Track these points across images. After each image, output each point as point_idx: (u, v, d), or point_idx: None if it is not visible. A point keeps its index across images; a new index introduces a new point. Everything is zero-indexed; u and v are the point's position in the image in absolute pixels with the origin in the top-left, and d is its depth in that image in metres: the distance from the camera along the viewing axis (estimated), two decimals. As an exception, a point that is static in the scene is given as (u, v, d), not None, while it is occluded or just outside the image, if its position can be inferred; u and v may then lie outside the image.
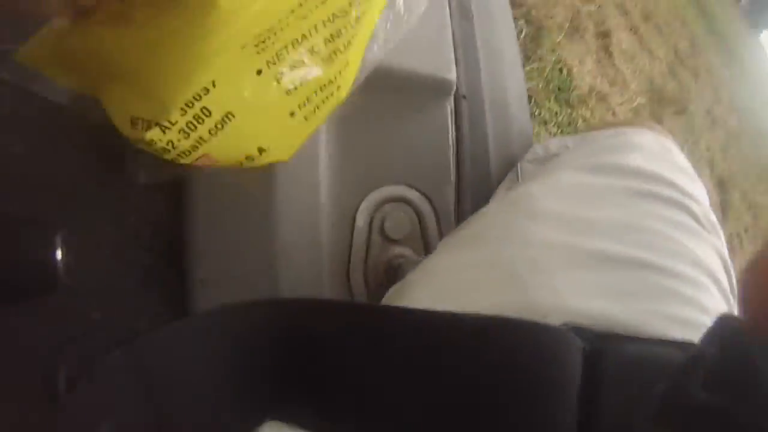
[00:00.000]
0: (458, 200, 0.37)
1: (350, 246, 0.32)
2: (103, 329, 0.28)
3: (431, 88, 0.36)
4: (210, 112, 0.22)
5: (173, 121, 0.21)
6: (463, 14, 0.46)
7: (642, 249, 0.28)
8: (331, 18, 0.25)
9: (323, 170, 0.31)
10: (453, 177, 0.36)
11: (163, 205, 0.28)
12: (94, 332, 0.28)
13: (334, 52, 0.26)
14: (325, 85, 0.26)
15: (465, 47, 0.43)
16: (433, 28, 0.37)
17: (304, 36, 0.24)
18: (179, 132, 0.22)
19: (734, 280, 0.32)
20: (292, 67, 0.24)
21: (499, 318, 0.22)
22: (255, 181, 0.30)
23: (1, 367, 0.26)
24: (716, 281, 0.30)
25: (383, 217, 0.34)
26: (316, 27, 0.25)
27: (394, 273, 0.32)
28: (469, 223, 0.32)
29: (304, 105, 0.25)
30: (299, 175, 0.30)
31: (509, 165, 0.43)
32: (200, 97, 0.21)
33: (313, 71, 0.25)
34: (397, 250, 0.33)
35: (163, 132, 0.21)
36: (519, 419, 0.20)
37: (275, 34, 0.23)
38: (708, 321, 0.24)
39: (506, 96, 0.46)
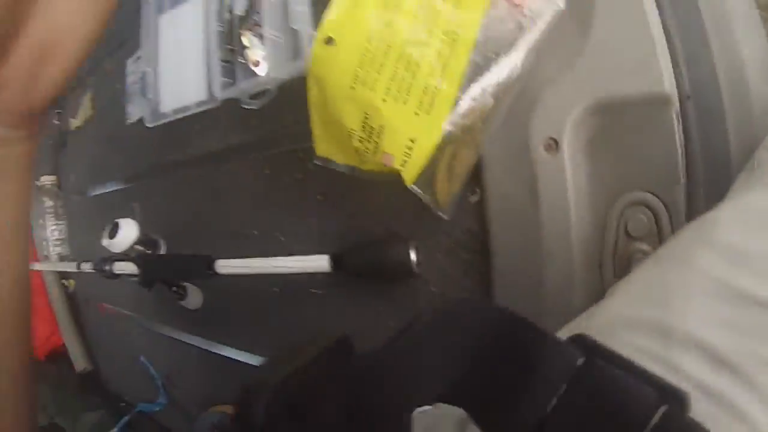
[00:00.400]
0: (689, 199, 0.42)
1: (602, 244, 0.42)
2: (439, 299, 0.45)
3: (648, 104, 0.42)
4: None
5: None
6: None
7: None
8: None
9: (573, 186, 0.43)
10: (682, 177, 0.42)
11: (475, 220, 0.44)
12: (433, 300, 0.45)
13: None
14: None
15: (685, 33, 0.45)
16: (635, 37, 0.42)
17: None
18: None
19: None
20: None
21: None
22: (526, 198, 0.43)
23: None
24: None
25: (627, 219, 0.42)
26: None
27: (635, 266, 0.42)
28: (670, 239, 0.36)
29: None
30: (556, 192, 0.43)
31: (751, 151, 0.42)
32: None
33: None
34: (638, 245, 0.41)
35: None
36: None
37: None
38: None
39: (742, 72, 0.44)
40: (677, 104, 0.43)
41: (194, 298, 0.71)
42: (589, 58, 0.42)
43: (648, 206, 0.43)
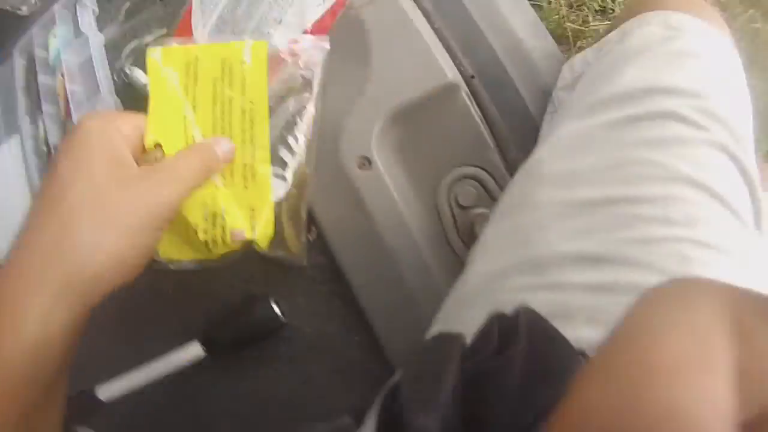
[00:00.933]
0: (504, 158, 0.46)
1: (441, 224, 0.45)
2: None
3: (439, 95, 0.47)
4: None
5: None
6: None
7: (616, 185, 0.32)
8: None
9: (395, 189, 0.45)
10: (491, 142, 0.46)
11: (320, 254, 0.45)
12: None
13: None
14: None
15: (456, 27, 0.52)
16: (409, 48, 0.47)
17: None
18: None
19: (750, 160, 0.34)
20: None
21: None
22: (357, 215, 0.45)
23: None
24: (700, 186, 0.32)
25: (455, 195, 0.45)
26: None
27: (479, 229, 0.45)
28: (505, 193, 0.40)
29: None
30: (382, 200, 0.45)
31: (546, 97, 0.50)
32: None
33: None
34: (474, 211, 0.44)
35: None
36: None
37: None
38: (677, 231, 0.31)
39: (516, 40, 0.51)
40: (464, 86, 0.49)
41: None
42: (376, 81, 0.47)
43: (471, 177, 0.47)
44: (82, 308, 0.29)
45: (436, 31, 0.51)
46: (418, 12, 0.51)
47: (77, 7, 0.61)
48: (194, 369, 0.46)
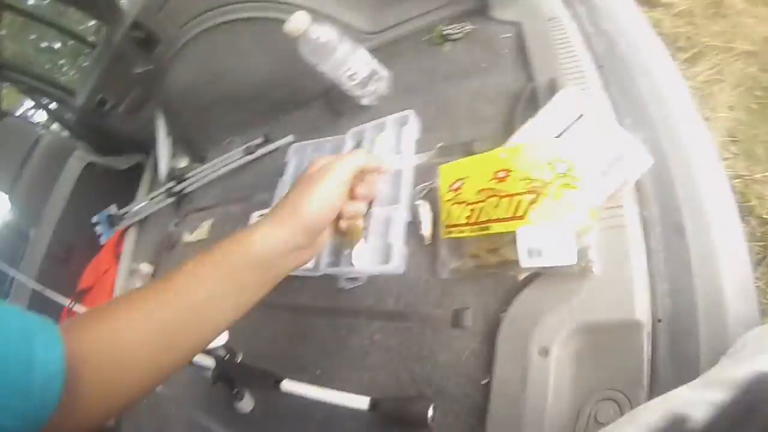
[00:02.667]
0: (650, 396, 0.56)
1: (575, 423, 0.57)
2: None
3: (623, 326, 0.59)
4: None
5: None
6: (673, 228, 0.66)
7: None
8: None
9: (554, 383, 0.60)
10: (645, 383, 0.57)
11: (481, 397, 0.65)
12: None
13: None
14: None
15: (670, 265, 0.63)
16: (619, 279, 0.59)
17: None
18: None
19: None
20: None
21: None
22: (518, 386, 0.62)
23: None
24: None
25: (597, 409, 0.57)
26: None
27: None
28: None
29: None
30: (540, 386, 0.60)
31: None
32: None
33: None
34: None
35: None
36: None
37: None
38: None
39: (721, 298, 0.60)
40: (649, 327, 0.61)
41: (247, 403, 0.89)
42: (583, 296, 0.61)
43: (616, 401, 0.60)
44: (302, 236, 0.51)
45: (650, 259, 0.64)
46: (641, 240, 0.64)
47: (403, 129, 0.88)
48: (351, 414, 0.69)
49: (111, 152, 2.02)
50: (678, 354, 0.59)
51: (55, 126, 2.25)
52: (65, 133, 2.27)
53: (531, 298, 0.65)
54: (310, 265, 0.88)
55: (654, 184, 0.69)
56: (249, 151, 1.33)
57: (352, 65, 0.98)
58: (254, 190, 1.26)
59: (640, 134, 0.74)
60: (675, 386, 0.45)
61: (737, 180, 1.52)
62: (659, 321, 0.61)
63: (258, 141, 1.36)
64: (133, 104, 1.72)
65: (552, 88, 0.76)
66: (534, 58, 0.86)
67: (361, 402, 0.69)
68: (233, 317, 0.49)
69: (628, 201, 0.66)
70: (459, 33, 1.03)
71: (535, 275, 0.65)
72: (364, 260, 0.80)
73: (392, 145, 0.92)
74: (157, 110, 1.67)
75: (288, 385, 0.77)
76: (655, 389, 0.58)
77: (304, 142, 1.16)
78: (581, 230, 0.60)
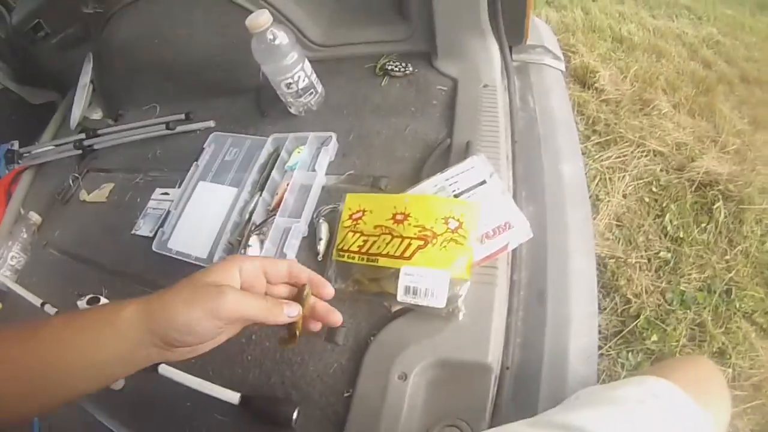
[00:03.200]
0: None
1: None
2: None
3: (477, 366, 0.69)
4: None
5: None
6: (536, 294, 0.79)
7: None
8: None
9: (408, 405, 0.68)
10: (487, 416, 0.67)
11: (342, 407, 0.73)
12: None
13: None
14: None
15: (527, 324, 0.75)
16: (480, 325, 0.70)
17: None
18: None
19: None
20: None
21: None
22: (377, 401, 0.70)
23: None
24: None
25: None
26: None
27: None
28: None
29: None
30: (396, 405, 0.69)
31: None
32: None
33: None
34: None
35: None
36: None
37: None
38: None
39: (565, 360, 0.73)
40: (497, 371, 0.71)
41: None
42: (446, 335, 0.71)
43: (459, 428, 0.68)
44: (156, 352, 0.48)
45: (510, 316, 0.75)
46: (506, 298, 0.76)
47: (323, 149, 0.95)
48: (220, 406, 0.74)
49: (28, 82, 1.90)
50: (520, 397, 0.71)
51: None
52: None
53: (400, 328, 0.74)
54: (204, 254, 0.94)
55: (528, 254, 0.82)
56: (169, 127, 1.32)
57: (295, 75, 1.02)
58: (164, 166, 1.26)
59: (530, 207, 0.87)
60: (512, 421, 0.55)
61: (612, 260, 1.74)
62: (507, 368, 0.73)
63: (179, 117, 1.35)
64: (67, 40, 1.64)
65: (466, 150, 0.87)
66: (459, 118, 0.96)
67: (231, 396, 0.75)
68: (96, 386, 0.48)
69: (502, 264, 0.77)
70: (400, 72, 1.10)
71: (407, 309, 0.74)
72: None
73: (308, 161, 0.98)
74: (89, 54, 1.60)
75: (165, 370, 0.80)
76: (495, 422, 0.69)
77: (225, 133, 1.19)
78: (456, 281, 0.70)
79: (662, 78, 2.52)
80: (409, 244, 0.71)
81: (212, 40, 1.30)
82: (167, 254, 0.97)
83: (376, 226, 0.77)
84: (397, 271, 0.71)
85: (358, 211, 0.81)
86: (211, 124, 1.28)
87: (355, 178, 0.94)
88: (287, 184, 0.93)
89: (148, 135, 1.36)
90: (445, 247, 0.70)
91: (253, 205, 0.94)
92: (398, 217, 0.74)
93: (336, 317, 0.56)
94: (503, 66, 1.05)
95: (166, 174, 1.22)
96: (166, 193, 1.14)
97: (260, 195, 0.94)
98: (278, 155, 1.00)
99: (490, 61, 1.04)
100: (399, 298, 0.70)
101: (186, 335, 0.48)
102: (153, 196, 1.16)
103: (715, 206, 1.88)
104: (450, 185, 0.80)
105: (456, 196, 0.78)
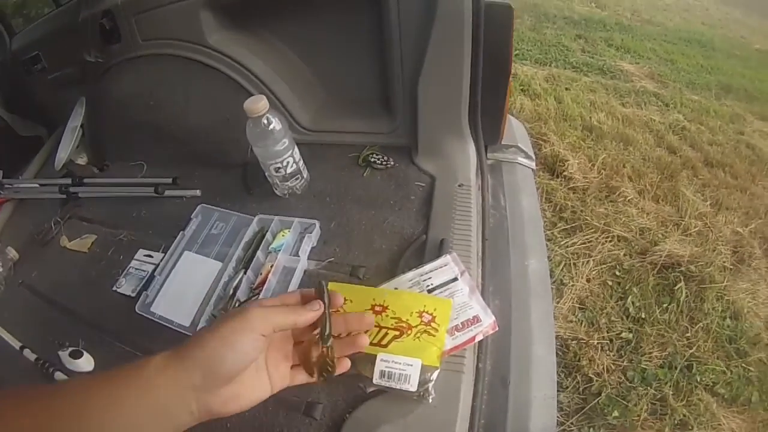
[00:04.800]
0: None
1: None
2: None
3: None
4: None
5: None
6: (500, 380, 0.92)
7: None
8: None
9: None
10: None
11: None
12: None
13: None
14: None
15: (490, 407, 0.87)
16: (449, 402, 0.80)
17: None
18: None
19: None
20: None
21: None
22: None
23: None
24: None
25: None
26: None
27: None
28: None
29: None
30: None
31: None
32: None
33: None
34: None
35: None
36: None
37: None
38: None
39: None
40: None
41: (87, 363, 0.98)
42: (417, 416, 0.80)
43: None
44: (196, 400, 0.49)
45: (475, 399, 0.86)
46: (471, 384, 0.87)
47: (305, 237, 1.09)
48: None
49: (18, 111, 1.97)
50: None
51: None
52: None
53: (375, 407, 0.83)
54: (186, 322, 1.02)
55: (493, 343, 0.94)
56: (157, 191, 1.40)
57: (284, 160, 1.14)
58: (149, 228, 1.32)
59: (497, 301, 1.02)
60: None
61: (574, 341, 1.90)
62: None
63: (167, 180, 1.43)
64: (62, 79, 1.72)
65: (440, 247, 1.00)
66: (434, 215, 1.09)
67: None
68: None
69: (469, 353, 0.88)
70: (382, 165, 1.24)
71: (382, 391, 0.84)
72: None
73: (291, 245, 1.09)
74: (83, 99, 1.68)
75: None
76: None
77: (211, 207, 1.28)
78: (427, 367, 0.82)
79: (629, 166, 2.80)
80: (386, 334, 0.83)
81: (207, 111, 1.41)
82: (150, 317, 1.04)
83: None
84: (373, 356, 0.82)
85: None
86: (197, 193, 1.37)
87: (335, 265, 1.05)
88: (271, 266, 1.03)
89: (135, 194, 1.43)
90: (418, 337, 0.82)
91: (237, 281, 1.03)
92: (377, 308, 0.86)
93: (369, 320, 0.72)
94: (479, 165, 1.21)
95: (151, 236, 1.29)
96: (150, 256, 1.22)
97: (244, 273, 1.04)
98: (263, 235, 1.11)
99: (466, 161, 1.19)
100: (375, 380, 0.80)
101: (221, 350, 0.49)
102: (136, 256, 1.23)
103: (676, 287, 2.08)
104: (425, 280, 0.92)
105: (430, 291, 0.90)
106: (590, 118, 3.45)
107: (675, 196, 2.66)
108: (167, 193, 1.41)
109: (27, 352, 1.05)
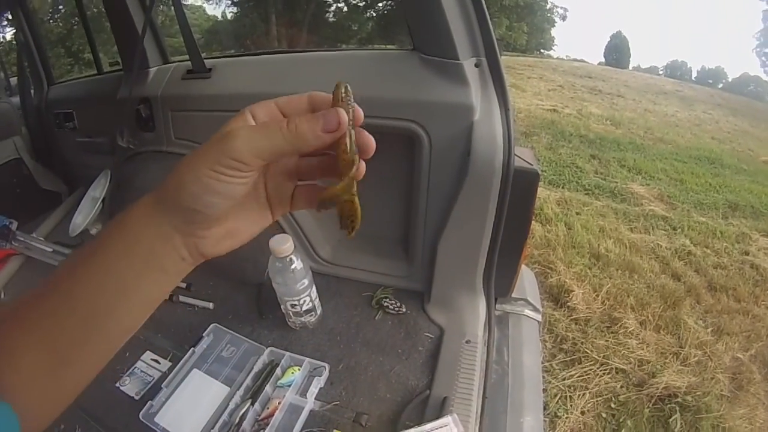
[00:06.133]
0: None
1: None
2: None
3: None
4: None
5: None
6: None
7: None
8: None
9: None
10: None
11: None
12: None
13: None
14: None
15: None
16: None
17: None
18: None
19: None
20: None
21: None
22: None
23: None
24: None
25: None
26: None
27: None
28: None
29: None
30: None
31: None
32: None
33: None
34: None
35: None
36: None
37: None
38: None
39: None
40: None
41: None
42: None
43: None
44: (183, 243, 0.46)
45: None
46: None
47: (314, 379, 1.17)
48: None
49: (42, 161, 2.05)
50: None
51: (16, 100, 2.16)
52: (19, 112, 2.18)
53: None
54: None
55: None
56: (172, 298, 1.49)
57: (301, 299, 1.23)
58: (158, 331, 1.39)
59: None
60: None
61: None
62: None
63: (180, 284, 1.51)
64: (91, 147, 1.80)
65: (441, 406, 1.08)
66: (439, 371, 1.17)
67: None
68: (138, 315, 0.50)
69: None
70: (394, 310, 1.34)
71: None
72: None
73: (299, 383, 1.17)
74: (108, 171, 1.75)
75: None
76: None
77: (224, 328, 1.36)
78: None
79: (632, 296, 2.91)
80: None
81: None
82: (153, 428, 1.10)
83: None
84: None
85: None
86: (210, 306, 1.47)
87: (339, 409, 1.13)
88: (278, 402, 1.11)
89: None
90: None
91: (244, 410, 1.10)
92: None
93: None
94: (487, 320, 1.31)
95: (159, 339, 1.36)
96: (157, 361, 1.29)
97: (251, 404, 1.12)
98: (272, 368, 1.19)
99: (476, 317, 1.29)
100: None
101: (203, 195, 0.43)
102: (143, 357, 1.30)
103: (671, 418, 2.12)
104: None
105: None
106: (598, 246, 3.60)
107: (676, 325, 2.74)
108: (181, 298, 1.50)
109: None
